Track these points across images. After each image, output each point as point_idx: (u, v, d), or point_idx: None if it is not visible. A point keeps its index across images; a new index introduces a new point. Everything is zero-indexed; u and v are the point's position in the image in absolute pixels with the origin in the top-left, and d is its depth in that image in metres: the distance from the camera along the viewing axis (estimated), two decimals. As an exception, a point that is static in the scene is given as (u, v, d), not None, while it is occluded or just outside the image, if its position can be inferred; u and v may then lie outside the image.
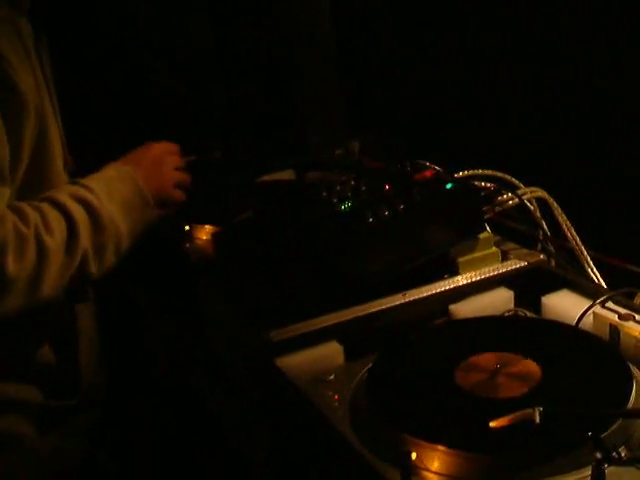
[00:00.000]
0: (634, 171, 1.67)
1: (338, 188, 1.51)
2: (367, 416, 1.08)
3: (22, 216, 1.20)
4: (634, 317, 1.21)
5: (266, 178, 2.01)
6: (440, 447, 0.98)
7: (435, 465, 0.98)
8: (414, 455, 0.96)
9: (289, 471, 1.17)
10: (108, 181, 1.33)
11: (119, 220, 1.29)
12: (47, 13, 1.35)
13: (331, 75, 2.71)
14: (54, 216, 1.23)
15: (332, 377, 1.20)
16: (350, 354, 1.28)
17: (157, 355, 1.61)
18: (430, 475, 0.98)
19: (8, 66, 1.22)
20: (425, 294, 1.40)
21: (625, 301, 1.28)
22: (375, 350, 1.23)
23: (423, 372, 1.16)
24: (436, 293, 1.41)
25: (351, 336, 1.30)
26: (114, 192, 1.31)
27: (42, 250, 1.19)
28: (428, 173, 1.53)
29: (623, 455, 0.94)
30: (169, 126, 2.63)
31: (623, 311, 1.23)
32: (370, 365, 1.20)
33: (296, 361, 1.25)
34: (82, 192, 1.28)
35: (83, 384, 1.42)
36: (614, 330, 1.21)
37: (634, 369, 1.11)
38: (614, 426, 0.98)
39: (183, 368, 1.46)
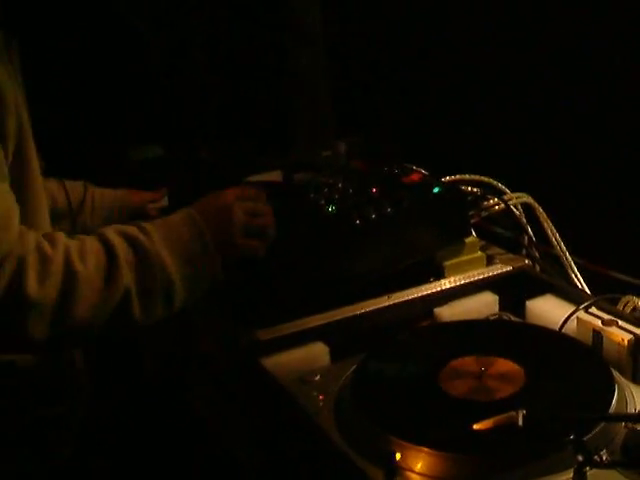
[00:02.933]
0: (619, 178, 1.69)
1: (326, 190, 1.52)
2: (352, 417, 1.09)
3: (51, 239, 1.14)
4: (617, 323, 1.22)
5: (254, 179, 2.01)
6: (424, 448, 0.99)
7: (419, 466, 0.99)
8: (398, 456, 0.97)
9: (274, 470, 1.17)
10: (169, 225, 1.23)
11: (172, 266, 1.18)
12: (18, 17, 1.32)
13: (320, 77, 2.72)
14: (93, 247, 1.16)
15: (317, 377, 1.21)
16: (335, 355, 1.29)
17: (144, 354, 1.61)
18: (414, 476, 0.99)
19: None
20: (410, 297, 1.41)
21: (608, 307, 1.29)
22: (360, 351, 1.24)
23: (408, 374, 1.17)
24: (421, 296, 1.42)
25: (336, 337, 1.31)
26: (172, 236, 1.20)
27: (70, 276, 1.10)
28: (415, 176, 1.55)
29: (605, 458, 0.95)
30: (155, 126, 2.63)
31: (606, 317, 1.24)
32: (356, 366, 1.21)
33: (282, 361, 1.26)
34: (133, 231, 1.19)
35: (68, 389, 1.41)
36: (597, 335, 1.22)
37: (616, 374, 1.13)
38: (596, 430, 0.99)
39: (170, 366, 1.46)
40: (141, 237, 1.18)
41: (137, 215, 1.75)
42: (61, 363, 1.39)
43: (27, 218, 1.21)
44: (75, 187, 1.70)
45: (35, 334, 1.09)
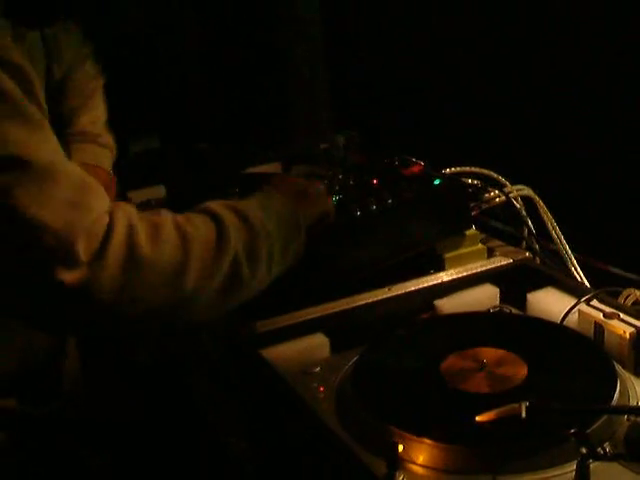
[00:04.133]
0: (620, 173, 1.69)
1: (326, 181, 1.51)
2: (353, 408, 1.08)
3: (152, 212, 1.12)
4: (619, 315, 1.21)
5: (252, 170, 2.01)
6: (426, 440, 0.98)
7: (421, 458, 0.98)
8: (401, 447, 0.96)
9: (274, 463, 1.17)
10: (252, 199, 1.24)
11: (271, 227, 1.18)
12: (20, 7, 1.30)
13: (318, 69, 2.71)
14: (200, 217, 1.14)
15: (318, 369, 1.20)
16: (336, 346, 1.28)
17: (139, 345, 1.60)
18: (416, 468, 0.98)
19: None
20: (410, 289, 1.41)
21: (610, 300, 1.29)
22: (360, 343, 1.24)
23: (409, 366, 1.17)
24: (421, 288, 1.42)
25: (337, 328, 1.30)
26: (262, 205, 1.21)
27: (183, 237, 1.08)
28: (416, 168, 1.54)
29: (607, 451, 0.94)
30: (155, 119, 2.63)
31: (608, 309, 1.23)
32: (357, 357, 1.20)
33: (282, 352, 1.25)
34: (229, 202, 1.19)
35: (64, 388, 1.40)
36: (599, 328, 1.22)
37: (618, 366, 1.12)
38: (599, 422, 0.98)
39: (168, 358, 1.45)
40: (238, 204, 1.18)
41: None
42: (56, 356, 1.39)
43: None
44: None
45: (156, 299, 1.05)
